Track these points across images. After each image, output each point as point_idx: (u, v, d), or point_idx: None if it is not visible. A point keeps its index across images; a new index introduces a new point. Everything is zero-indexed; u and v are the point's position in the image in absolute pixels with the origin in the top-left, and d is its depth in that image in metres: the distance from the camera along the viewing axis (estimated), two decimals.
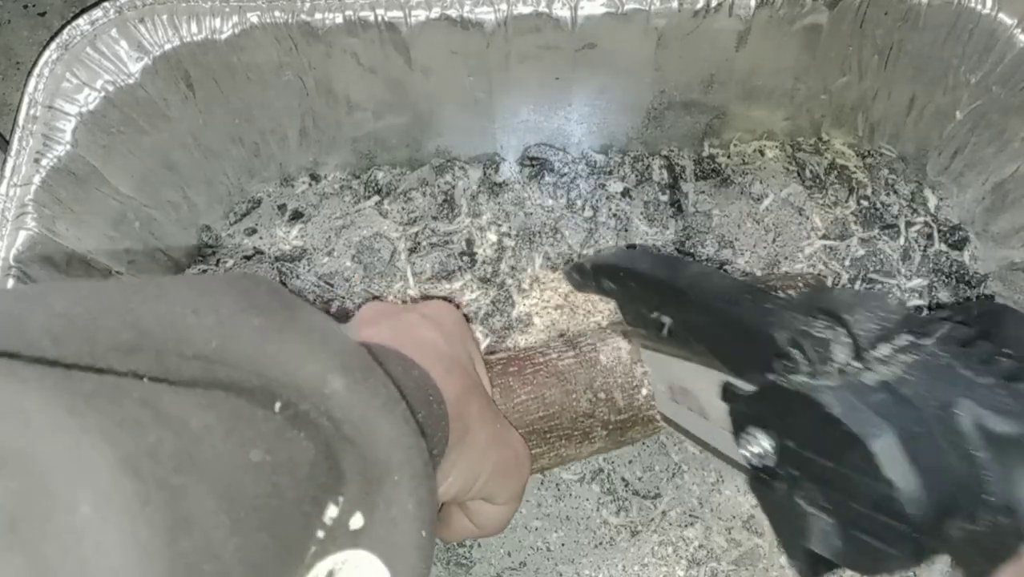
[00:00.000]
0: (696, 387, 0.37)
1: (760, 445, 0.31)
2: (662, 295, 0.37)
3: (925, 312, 0.51)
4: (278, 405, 0.21)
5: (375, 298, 0.52)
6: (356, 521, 0.22)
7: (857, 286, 0.52)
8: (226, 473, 0.18)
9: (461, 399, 0.32)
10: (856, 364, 0.28)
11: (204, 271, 0.53)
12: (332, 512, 0.22)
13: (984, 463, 0.25)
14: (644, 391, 0.41)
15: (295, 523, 0.20)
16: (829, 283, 0.52)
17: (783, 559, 0.45)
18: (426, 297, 0.52)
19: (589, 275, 0.42)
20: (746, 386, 0.31)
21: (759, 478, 0.32)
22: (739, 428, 0.32)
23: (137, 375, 0.19)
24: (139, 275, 0.49)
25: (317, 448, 0.21)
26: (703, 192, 0.56)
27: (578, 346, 0.42)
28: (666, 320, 0.37)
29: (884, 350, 0.28)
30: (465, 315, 0.51)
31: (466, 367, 0.35)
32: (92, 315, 0.19)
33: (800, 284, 0.45)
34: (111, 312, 0.19)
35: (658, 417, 0.42)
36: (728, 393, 0.33)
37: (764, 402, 0.30)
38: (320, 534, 0.22)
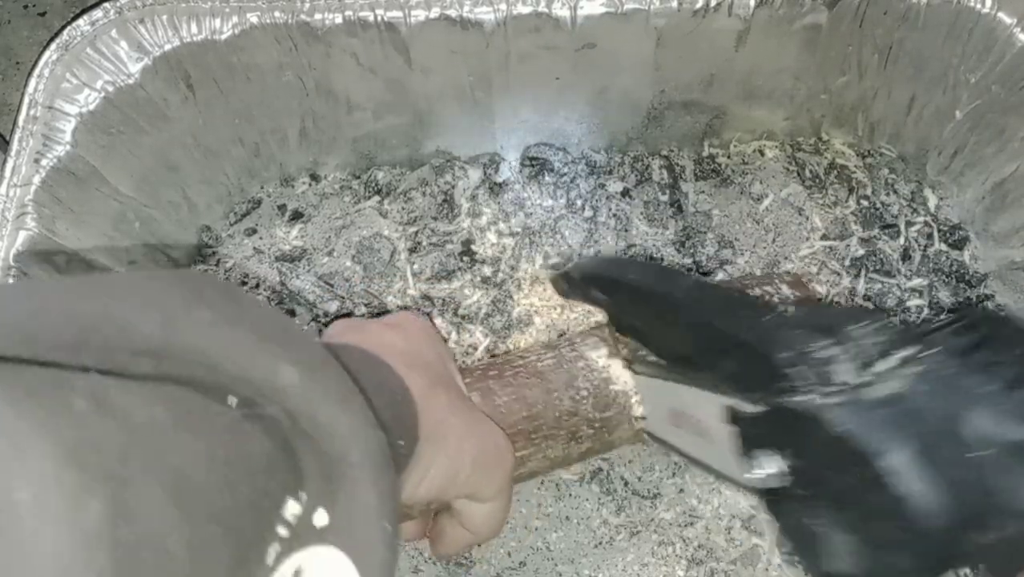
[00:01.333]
0: (697, 411, 0.36)
1: (770, 466, 0.30)
2: (654, 309, 0.36)
3: (926, 311, 0.51)
4: (232, 400, 0.21)
5: (377, 314, 0.52)
6: (320, 517, 0.22)
7: (858, 286, 0.52)
8: (174, 465, 0.18)
9: (427, 394, 0.32)
10: (860, 380, 0.28)
11: (204, 271, 0.53)
12: (294, 509, 0.22)
13: (998, 470, 0.25)
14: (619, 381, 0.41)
15: (251, 517, 0.20)
16: (822, 285, 0.52)
17: (779, 559, 0.45)
18: (426, 297, 0.52)
19: (577, 284, 0.41)
20: (750, 408, 0.31)
21: (772, 501, 0.31)
22: (747, 450, 0.31)
23: (84, 368, 0.19)
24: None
25: (274, 443, 0.21)
26: (703, 192, 0.56)
27: (558, 348, 0.42)
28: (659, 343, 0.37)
29: (886, 364, 0.28)
30: (465, 315, 0.51)
31: (431, 364, 0.35)
32: (32, 314, 0.19)
33: (780, 283, 0.45)
34: (53, 310, 0.19)
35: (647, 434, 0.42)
36: (733, 415, 0.32)
37: (771, 423, 0.30)
38: (282, 531, 0.21)
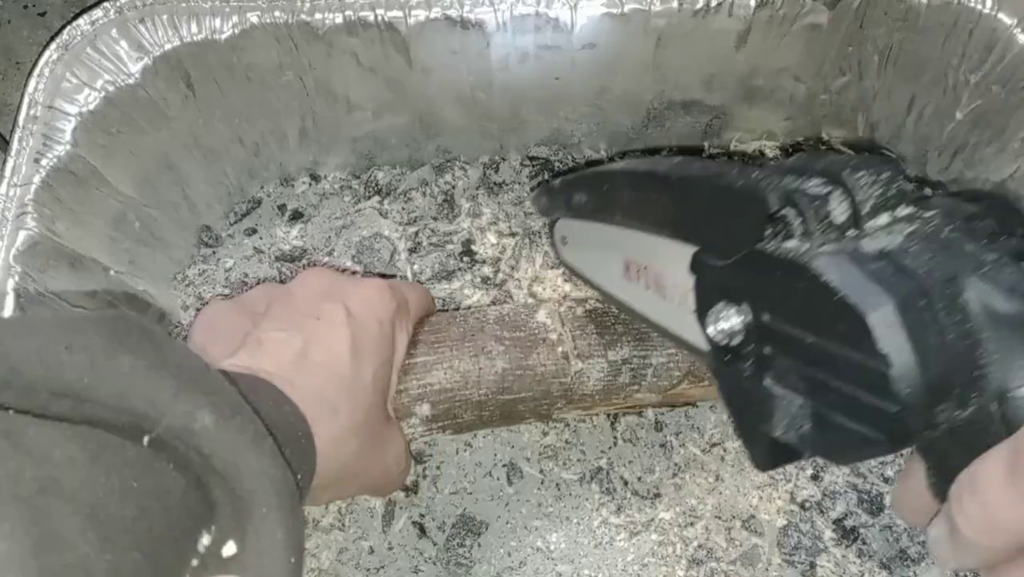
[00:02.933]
0: (656, 261, 0.34)
1: (730, 320, 0.28)
2: (642, 188, 0.34)
3: None
4: (146, 439, 0.22)
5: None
6: (228, 549, 0.23)
7: None
8: (91, 497, 0.19)
9: (339, 440, 0.33)
10: (853, 231, 0.26)
11: (204, 271, 0.53)
12: (205, 540, 0.23)
13: (985, 343, 0.24)
14: (541, 314, 0.44)
15: (168, 547, 0.22)
16: None
17: (779, 559, 0.45)
18: None
19: (558, 194, 0.40)
20: (721, 258, 0.29)
21: (721, 360, 0.30)
22: (706, 304, 0.30)
23: (3, 407, 0.20)
24: (139, 275, 0.49)
25: (188, 480, 0.23)
26: None
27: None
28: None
29: (885, 218, 0.26)
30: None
31: (363, 390, 0.36)
32: None
33: None
34: None
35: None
36: (698, 264, 0.30)
37: (742, 273, 0.28)
38: (194, 562, 0.23)
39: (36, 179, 0.43)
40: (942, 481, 0.26)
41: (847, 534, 0.45)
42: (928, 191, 0.29)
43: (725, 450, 0.48)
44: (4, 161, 0.43)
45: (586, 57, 0.50)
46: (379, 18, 0.47)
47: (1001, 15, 0.47)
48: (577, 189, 0.38)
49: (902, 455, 0.46)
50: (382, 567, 0.45)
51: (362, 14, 0.47)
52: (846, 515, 0.46)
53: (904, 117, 0.55)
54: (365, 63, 0.49)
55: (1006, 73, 0.48)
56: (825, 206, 0.26)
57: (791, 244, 0.26)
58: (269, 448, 0.25)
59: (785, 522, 0.46)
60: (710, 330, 0.29)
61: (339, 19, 0.47)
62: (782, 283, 0.26)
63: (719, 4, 0.47)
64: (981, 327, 0.24)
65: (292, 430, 0.30)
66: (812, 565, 0.45)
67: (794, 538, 0.45)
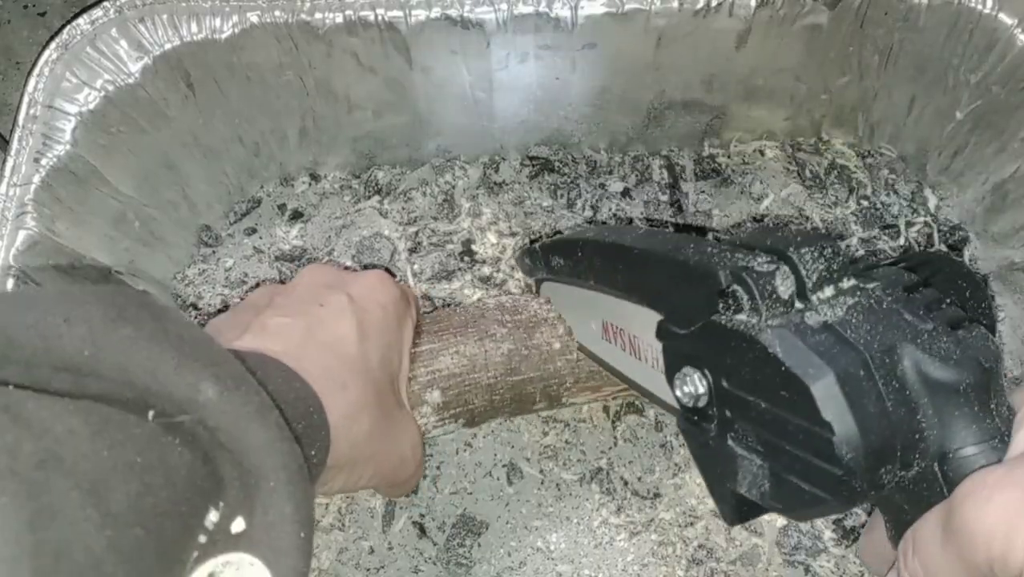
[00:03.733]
0: (629, 325, 0.36)
1: (694, 385, 0.30)
2: (609, 257, 0.36)
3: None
4: (151, 413, 0.22)
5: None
6: (237, 525, 0.23)
7: None
8: (92, 471, 0.19)
9: (350, 417, 0.32)
10: (799, 305, 0.28)
11: (204, 271, 0.53)
12: (213, 517, 0.23)
13: (923, 409, 0.25)
14: (539, 300, 0.44)
15: (173, 523, 0.21)
16: None
17: (780, 559, 0.45)
18: (426, 297, 0.52)
19: (539, 256, 0.42)
20: (682, 327, 0.31)
21: (690, 419, 0.31)
22: (673, 368, 0.31)
23: (3, 382, 0.20)
24: (138, 275, 0.49)
25: (194, 455, 0.22)
26: (703, 192, 0.56)
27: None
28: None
29: (828, 292, 0.28)
30: None
31: (371, 372, 0.35)
32: None
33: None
34: None
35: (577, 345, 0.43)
36: (663, 332, 0.32)
37: (701, 341, 0.30)
38: (202, 538, 0.22)
39: (36, 179, 0.43)
40: (898, 534, 0.28)
41: (847, 534, 0.45)
42: (874, 260, 0.31)
43: None
44: (4, 161, 0.43)
45: (586, 57, 0.50)
46: (379, 18, 0.47)
47: (1001, 15, 0.47)
48: (554, 253, 0.41)
49: None
50: (382, 567, 0.45)
51: (362, 14, 0.47)
52: (846, 515, 0.46)
53: (904, 117, 0.55)
54: (365, 63, 0.49)
55: (1006, 73, 0.48)
56: (771, 282, 0.27)
57: (742, 317, 0.28)
58: (275, 420, 0.24)
59: (785, 522, 0.46)
60: (677, 392, 0.31)
61: (339, 19, 0.47)
62: (736, 353, 0.27)
63: (719, 4, 0.47)
64: (918, 394, 0.25)
65: (303, 405, 0.29)
66: (811, 565, 0.45)
67: (794, 538, 0.45)
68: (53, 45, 0.45)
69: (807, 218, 0.55)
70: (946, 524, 0.25)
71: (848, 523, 0.45)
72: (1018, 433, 0.25)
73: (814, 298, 0.28)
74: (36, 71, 0.45)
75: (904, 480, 0.26)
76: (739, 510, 0.30)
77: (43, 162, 0.44)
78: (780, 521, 0.46)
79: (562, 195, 0.55)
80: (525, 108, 0.54)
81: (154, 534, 0.20)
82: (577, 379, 0.43)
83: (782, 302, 0.27)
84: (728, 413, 0.29)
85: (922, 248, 0.53)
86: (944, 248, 0.54)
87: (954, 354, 0.26)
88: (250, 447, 0.23)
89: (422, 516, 0.46)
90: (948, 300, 0.28)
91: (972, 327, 0.27)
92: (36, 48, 0.65)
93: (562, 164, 0.56)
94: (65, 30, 0.45)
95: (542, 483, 0.47)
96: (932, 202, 0.56)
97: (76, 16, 0.45)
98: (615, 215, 0.54)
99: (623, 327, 0.37)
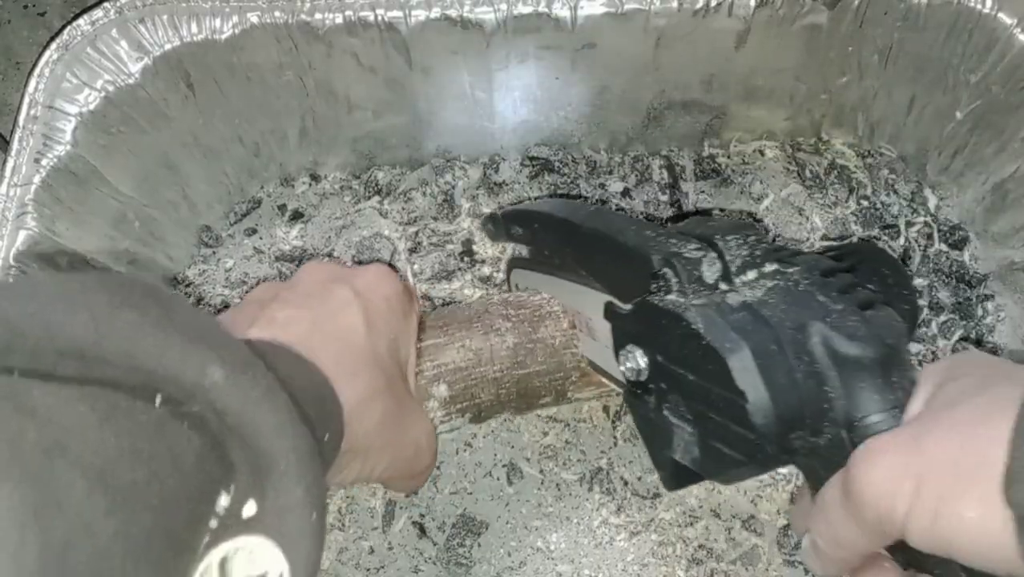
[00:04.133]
0: (585, 308, 0.39)
1: (636, 361, 0.33)
2: (560, 232, 0.39)
3: (925, 312, 0.51)
4: (159, 399, 0.22)
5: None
6: (249, 509, 0.23)
7: None
8: (99, 459, 0.19)
9: (363, 403, 0.32)
10: (723, 286, 0.31)
11: (204, 271, 0.53)
12: (224, 501, 0.22)
13: (830, 381, 0.27)
14: (542, 295, 0.44)
15: (183, 509, 0.21)
16: None
17: (779, 559, 0.45)
18: (426, 297, 0.52)
19: (500, 223, 0.45)
20: (625, 306, 0.34)
21: (634, 392, 0.34)
22: (619, 345, 0.34)
23: (8, 371, 0.19)
24: (139, 275, 0.49)
25: (203, 439, 0.22)
26: (703, 192, 0.56)
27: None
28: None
29: (751, 275, 0.31)
30: None
31: (380, 361, 0.35)
32: None
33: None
34: None
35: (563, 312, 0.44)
36: (609, 312, 0.35)
37: (639, 320, 0.32)
38: (213, 523, 0.22)
39: (36, 179, 0.43)
40: None
41: None
42: (800, 247, 0.32)
43: None
44: (4, 161, 0.43)
45: (586, 57, 0.50)
46: (379, 18, 0.47)
47: (1001, 15, 0.47)
48: (514, 222, 0.44)
49: None
50: (382, 567, 0.45)
51: (362, 14, 0.47)
52: None
53: (904, 117, 0.55)
54: (365, 63, 0.49)
55: (1006, 73, 0.48)
56: (698, 268, 0.31)
57: (671, 297, 0.31)
58: (284, 403, 0.24)
59: (785, 522, 0.46)
60: (622, 368, 0.34)
61: (339, 19, 0.47)
62: (667, 330, 0.30)
63: (719, 4, 0.47)
64: (827, 367, 0.27)
65: (315, 390, 0.29)
66: None
67: (794, 538, 0.45)
68: (53, 46, 0.45)
69: (807, 218, 0.55)
70: (844, 486, 0.27)
71: None
72: (911, 404, 0.27)
73: (737, 281, 0.31)
74: (36, 71, 0.45)
75: (818, 446, 0.28)
76: (677, 476, 0.33)
77: (43, 162, 0.44)
78: (780, 521, 0.46)
79: (562, 195, 0.55)
80: (525, 108, 0.54)
81: (163, 520, 0.20)
82: (583, 372, 0.44)
83: (707, 284, 0.31)
84: (664, 386, 0.32)
85: (907, 244, 0.53)
86: (944, 247, 0.54)
87: (860, 331, 0.28)
88: (259, 430, 0.23)
89: (422, 516, 0.46)
90: (865, 285, 0.30)
91: (880, 308, 0.29)
92: (36, 48, 0.65)
93: (562, 164, 0.56)
94: (65, 31, 0.45)
95: (542, 483, 0.47)
96: (932, 202, 0.56)
97: (76, 16, 0.45)
98: None
99: (579, 310, 0.40)
